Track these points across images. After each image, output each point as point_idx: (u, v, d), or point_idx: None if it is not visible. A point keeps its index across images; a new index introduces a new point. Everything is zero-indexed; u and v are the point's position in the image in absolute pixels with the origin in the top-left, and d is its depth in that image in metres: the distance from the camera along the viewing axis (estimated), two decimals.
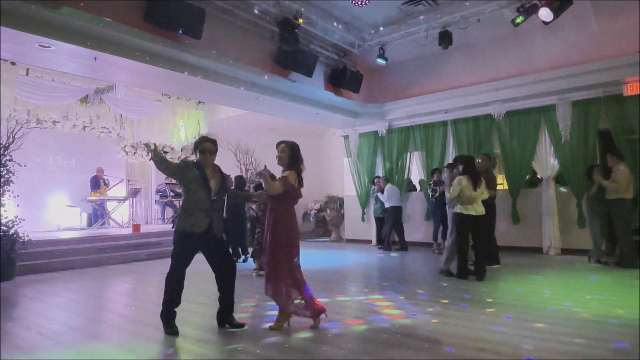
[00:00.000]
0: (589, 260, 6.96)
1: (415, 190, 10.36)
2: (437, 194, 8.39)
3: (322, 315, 3.84)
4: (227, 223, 8.53)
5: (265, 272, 3.86)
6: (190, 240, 3.66)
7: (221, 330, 3.78)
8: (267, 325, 3.85)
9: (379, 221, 9.78)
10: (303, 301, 3.79)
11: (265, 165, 3.79)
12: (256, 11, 6.97)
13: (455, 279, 5.87)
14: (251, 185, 9.10)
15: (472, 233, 5.88)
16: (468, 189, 5.74)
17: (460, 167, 5.94)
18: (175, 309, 3.71)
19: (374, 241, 10.40)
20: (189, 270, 3.71)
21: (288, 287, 3.75)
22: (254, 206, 7.10)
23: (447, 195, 5.95)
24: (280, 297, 3.76)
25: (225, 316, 3.83)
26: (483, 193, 5.92)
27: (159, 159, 3.62)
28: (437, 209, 8.45)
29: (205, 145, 3.77)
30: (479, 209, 5.83)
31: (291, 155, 3.86)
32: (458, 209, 5.85)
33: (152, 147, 3.66)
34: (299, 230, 4.03)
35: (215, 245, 3.78)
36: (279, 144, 3.92)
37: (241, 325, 3.81)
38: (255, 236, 6.68)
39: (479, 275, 5.78)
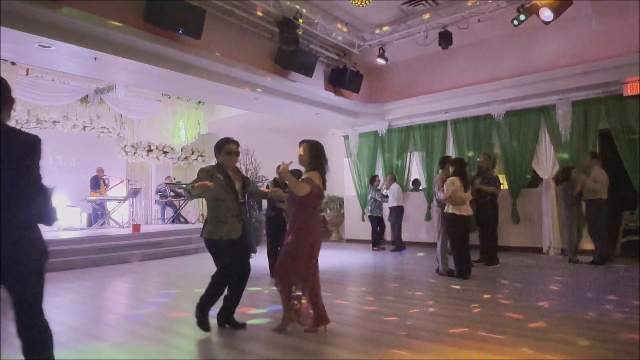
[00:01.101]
0: (569, 261, 7.09)
1: (419, 190, 10.33)
2: None
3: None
4: None
5: (277, 266, 3.66)
6: (228, 247, 3.61)
7: (221, 330, 3.77)
8: (266, 325, 3.85)
9: (377, 221, 9.71)
10: (304, 301, 3.69)
11: (282, 162, 3.48)
12: (259, 13, 6.96)
13: (455, 278, 5.89)
14: (267, 184, 8.46)
15: (463, 233, 5.97)
16: (460, 190, 5.84)
17: (451, 169, 6.04)
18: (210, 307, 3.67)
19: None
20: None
21: (294, 289, 3.61)
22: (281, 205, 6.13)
23: (441, 196, 6.01)
24: (284, 294, 3.65)
25: (226, 316, 3.83)
26: (470, 194, 6.08)
27: (195, 194, 3.46)
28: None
29: (231, 147, 3.73)
30: (469, 209, 5.97)
31: (311, 155, 3.65)
32: (451, 209, 5.91)
33: (187, 190, 3.56)
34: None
35: (242, 249, 3.76)
36: (300, 143, 3.73)
37: (242, 326, 3.80)
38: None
39: (464, 274, 5.87)
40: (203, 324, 3.61)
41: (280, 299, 3.75)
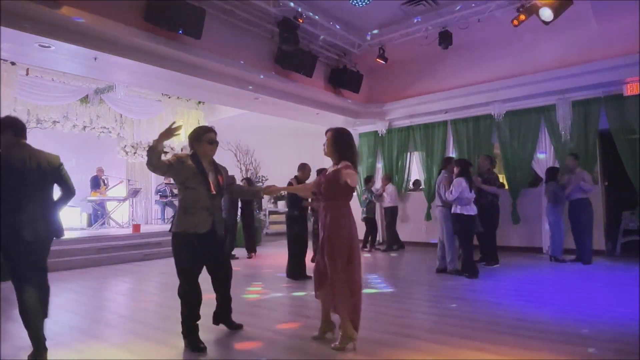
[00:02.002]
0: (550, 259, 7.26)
1: (419, 190, 10.30)
2: None
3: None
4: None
5: (332, 289, 3.23)
6: (194, 242, 3.33)
7: (219, 330, 3.77)
8: (269, 325, 3.84)
9: (370, 222, 9.53)
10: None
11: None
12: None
13: (456, 278, 5.90)
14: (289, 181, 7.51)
15: (471, 232, 6.07)
16: (467, 191, 5.88)
17: (456, 169, 6.07)
18: (197, 322, 3.43)
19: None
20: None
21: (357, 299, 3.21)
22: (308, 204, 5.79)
23: (450, 197, 6.02)
24: (353, 312, 3.23)
25: (223, 317, 3.79)
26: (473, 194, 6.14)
27: (153, 154, 3.18)
28: None
29: (211, 135, 3.53)
30: (475, 208, 6.05)
31: (334, 144, 3.25)
32: (459, 209, 5.94)
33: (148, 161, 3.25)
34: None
35: (215, 247, 3.53)
36: (326, 132, 3.37)
37: (239, 327, 3.79)
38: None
39: (475, 273, 5.92)
40: (196, 344, 3.32)
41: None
